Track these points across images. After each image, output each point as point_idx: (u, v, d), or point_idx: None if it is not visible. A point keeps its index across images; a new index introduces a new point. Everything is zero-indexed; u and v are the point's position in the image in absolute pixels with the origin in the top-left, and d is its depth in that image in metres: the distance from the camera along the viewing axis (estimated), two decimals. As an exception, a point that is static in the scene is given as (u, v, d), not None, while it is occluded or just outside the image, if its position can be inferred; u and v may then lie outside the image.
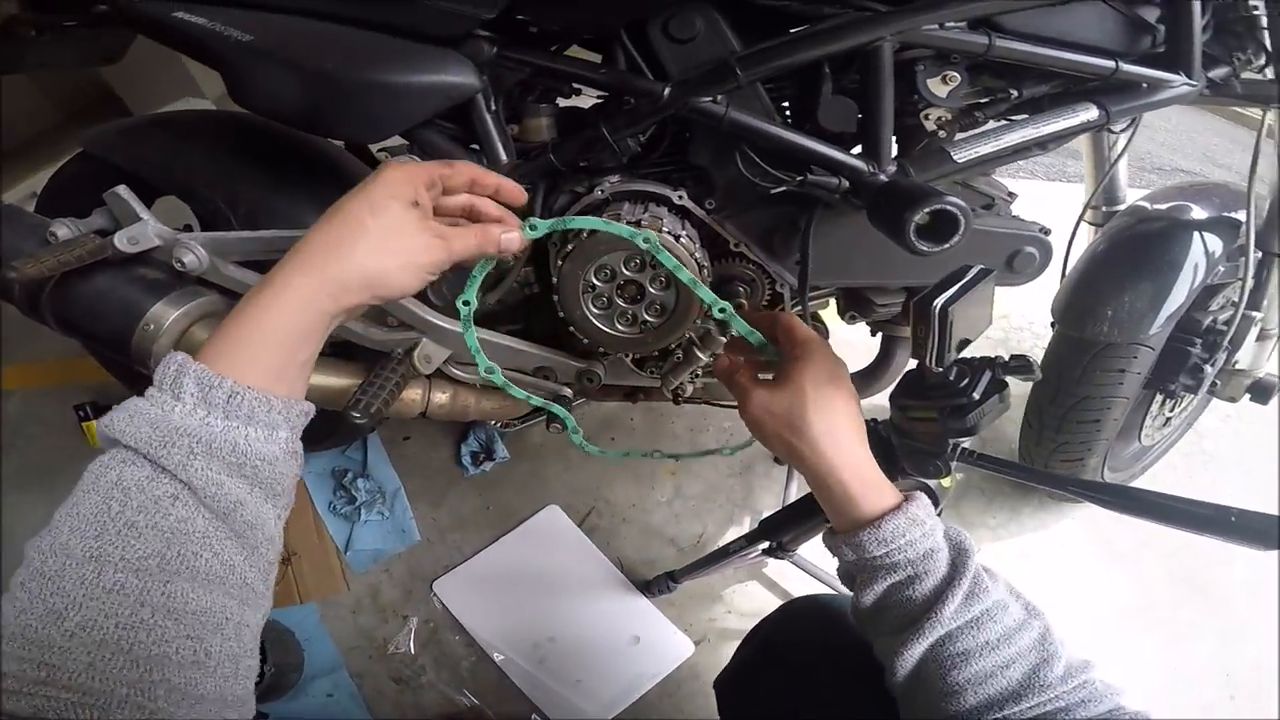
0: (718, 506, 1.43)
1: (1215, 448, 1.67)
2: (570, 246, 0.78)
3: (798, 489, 1.38)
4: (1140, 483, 1.50)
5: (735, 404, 0.66)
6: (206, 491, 0.44)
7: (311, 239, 0.51)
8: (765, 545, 1.01)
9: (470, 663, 1.22)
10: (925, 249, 0.69)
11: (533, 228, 0.60)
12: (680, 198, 0.83)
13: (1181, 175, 3.00)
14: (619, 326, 0.84)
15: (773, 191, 0.81)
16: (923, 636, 0.54)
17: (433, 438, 1.45)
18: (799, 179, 0.80)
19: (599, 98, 0.87)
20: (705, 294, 0.64)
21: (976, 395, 0.64)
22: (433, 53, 0.74)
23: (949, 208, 0.68)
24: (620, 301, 0.82)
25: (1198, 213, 1.10)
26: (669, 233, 0.76)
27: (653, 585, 1.27)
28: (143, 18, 0.75)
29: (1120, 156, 1.19)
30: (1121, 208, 1.24)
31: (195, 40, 0.74)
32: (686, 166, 0.88)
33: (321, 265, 0.50)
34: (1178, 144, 3.47)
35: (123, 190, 0.80)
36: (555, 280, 0.80)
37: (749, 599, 1.33)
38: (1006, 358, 0.66)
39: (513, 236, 0.58)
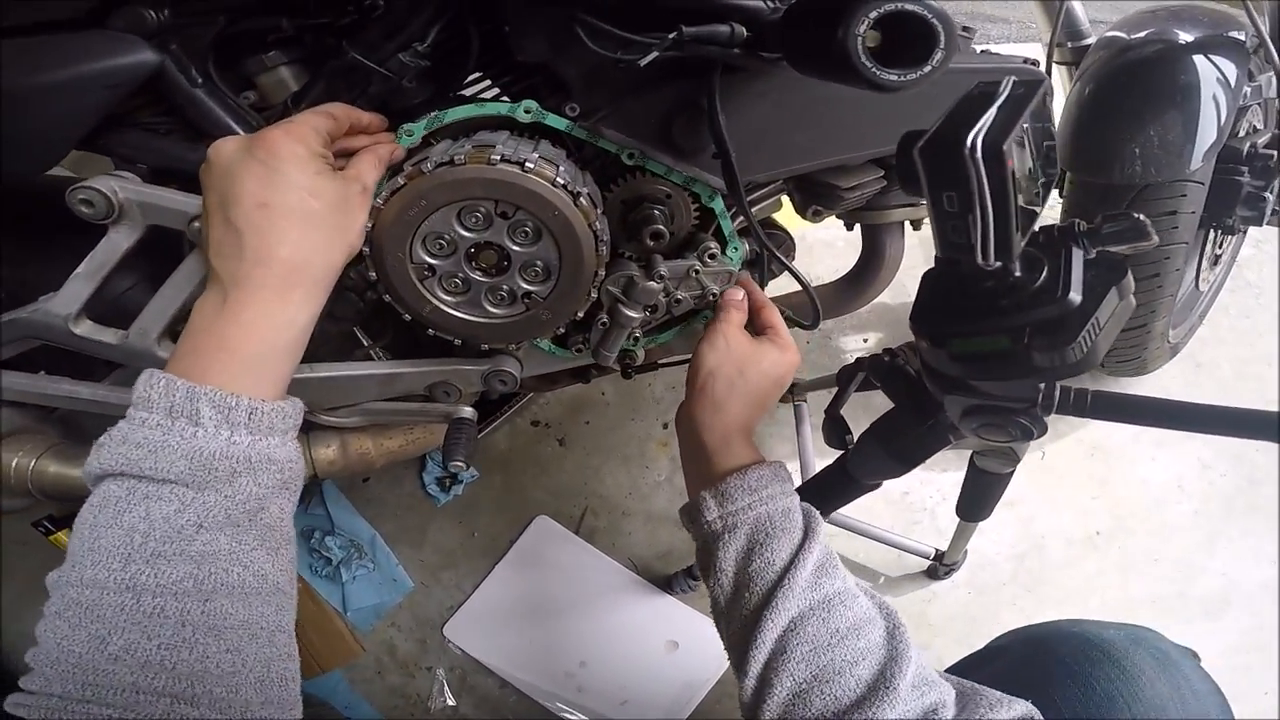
0: (726, 468, 1.24)
1: (1258, 278, 1.56)
2: (371, 224, 0.55)
3: (812, 436, 1.20)
4: (1200, 331, 1.39)
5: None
6: (244, 506, 0.46)
7: (272, 248, 0.49)
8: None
9: (511, 702, 1.14)
10: (894, 78, 0.44)
11: (409, 134, 0.59)
12: (527, 111, 0.60)
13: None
14: (493, 310, 0.61)
15: (643, 64, 0.57)
16: (777, 614, 0.52)
17: (393, 472, 1.29)
18: (671, 36, 0.55)
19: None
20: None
21: (1077, 296, 0.39)
22: (60, 41, 0.57)
23: (912, 6, 0.42)
24: (479, 276, 0.59)
25: (1185, 36, 1.02)
26: (507, 160, 0.53)
27: (674, 583, 1.12)
28: None
29: None
30: (1088, 41, 1.15)
31: None
32: (523, 73, 0.66)
33: (302, 271, 0.50)
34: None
35: None
36: (374, 275, 0.57)
37: None
38: (1083, 223, 0.41)
39: (397, 150, 0.59)
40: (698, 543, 0.61)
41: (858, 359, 0.68)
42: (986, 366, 0.44)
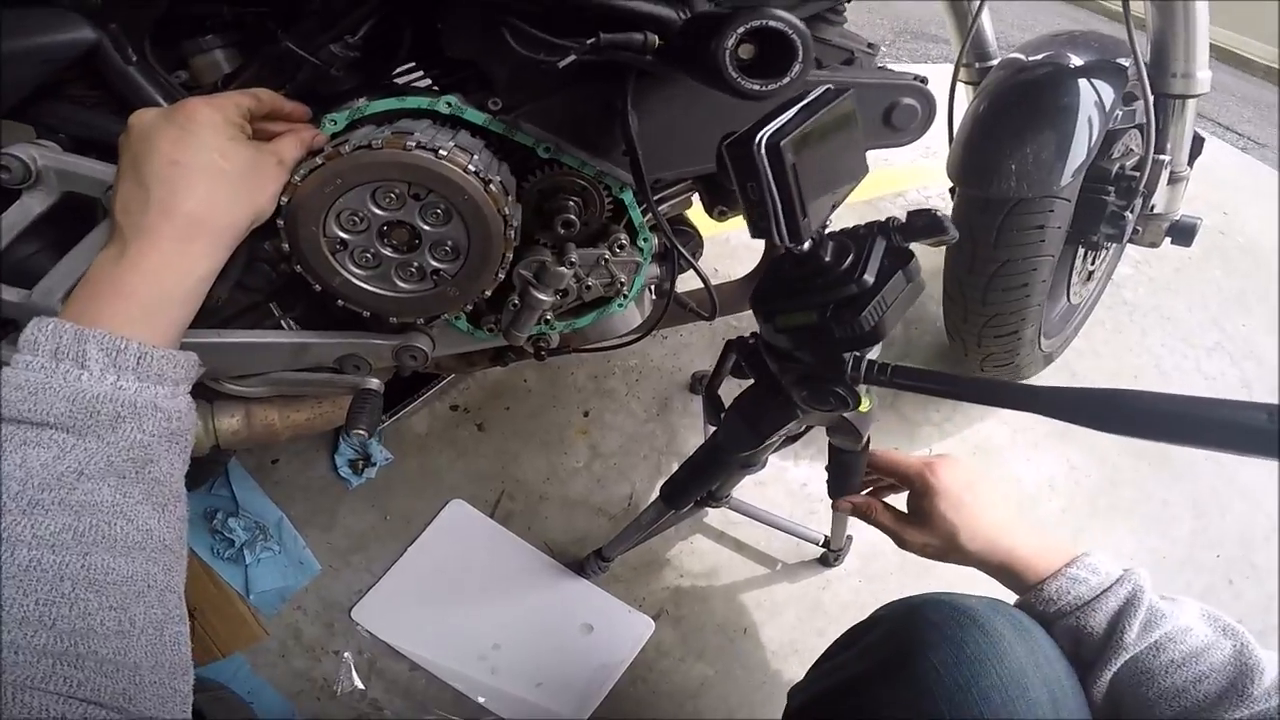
0: (641, 459, 1.28)
1: (1134, 296, 1.69)
2: (285, 199, 0.57)
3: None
4: (1076, 344, 1.50)
5: (611, 344, 0.79)
6: (129, 455, 0.44)
7: (177, 201, 0.49)
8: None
9: (421, 685, 1.12)
10: (756, 88, 0.50)
11: (333, 122, 0.60)
12: (449, 104, 0.62)
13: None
14: (402, 285, 0.64)
15: (561, 66, 0.60)
16: (1108, 662, 0.59)
17: (304, 454, 1.27)
18: (590, 42, 0.59)
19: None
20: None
21: (869, 277, 0.47)
22: (5, 16, 0.56)
23: (774, 23, 0.48)
24: (389, 252, 0.62)
25: (1076, 60, 1.08)
26: (422, 147, 0.56)
27: (585, 567, 1.14)
28: None
29: (982, 7, 1.14)
30: (994, 62, 1.21)
31: None
32: (450, 68, 0.69)
33: (203, 224, 0.51)
34: (1026, 25, 3.60)
35: None
36: (287, 247, 0.59)
37: (699, 558, 1.20)
38: (902, 218, 0.48)
39: (319, 137, 0.60)
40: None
41: (727, 341, 0.72)
42: (801, 338, 0.51)
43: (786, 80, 0.49)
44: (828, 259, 0.47)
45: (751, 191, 0.43)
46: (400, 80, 0.74)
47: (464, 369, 0.93)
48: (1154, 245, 1.28)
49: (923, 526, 0.73)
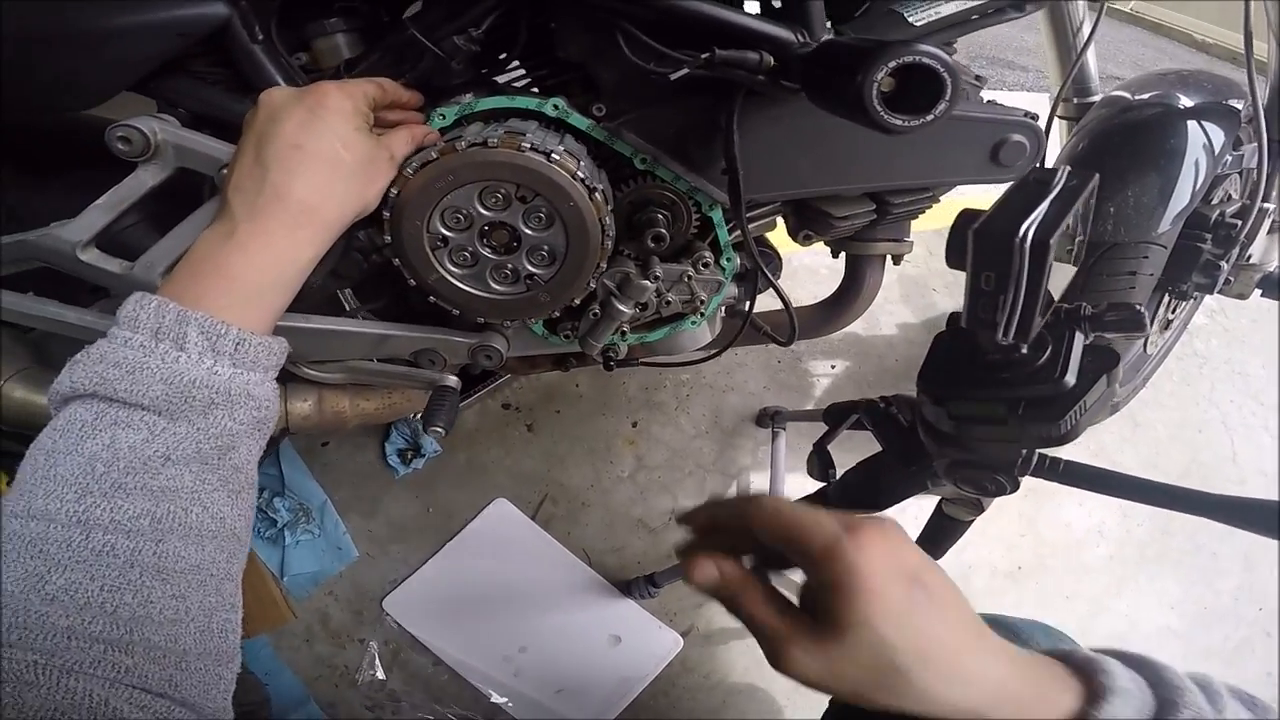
0: (686, 474, 1.27)
1: (1206, 347, 1.64)
2: (396, 192, 0.57)
3: (785, 462, 1.23)
4: (1143, 393, 1.44)
5: (680, 360, 0.63)
6: (216, 441, 0.44)
7: (292, 186, 0.49)
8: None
9: (443, 680, 1.12)
10: (900, 122, 0.48)
11: (443, 116, 0.61)
12: (556, 107, 0.62)
13: (1115, 81, 2.89)
14: (496, 287, 0.64)
15: (673, 78, 0.60)
16: None
17: (354, 439, 1.27)
18: (704, 56, 0.59)
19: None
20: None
21: (1071, 379, 0.43)
22: None
23: (925, 59, 0.46)
24: (488, 253, 0.61)
25: (1186, 101, 1.02)
26: (536, 150, 0.56)
27: (632, 588, 1.13)
28: None
29: (1089, 42, 1.06)
30: (1094, 99, 1.16)
31: None
32: (559, 68, 0.68)
33: (314, 213, 0.50)
34: (1107, 53, 3.51)
35: None
36: (389, 239, 0.59)
37: None
38: (1089, 307, 0.45)
39: (431, 133, 0.60)
40: None
41: (852, 401, 0.70)
42: (980, 429, 0.48)
43: (931, 117, 0.48)
44: (1024, 351, 0.44)
45: (986, 282, 0.40)
46: (500, 78, 0.74)
47: (525, 370, 0.93)
48: (1242, 297, 1.21)
49: (830, 638, 0.37)
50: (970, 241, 0.40)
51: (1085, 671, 0.39)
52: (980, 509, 0.69)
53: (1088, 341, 0.48)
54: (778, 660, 0.39)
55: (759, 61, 0.59)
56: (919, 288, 1.55)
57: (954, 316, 0.58)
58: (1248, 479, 1.40)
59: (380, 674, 1.12)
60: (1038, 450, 0.50)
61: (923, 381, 0.52)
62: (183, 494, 0.42)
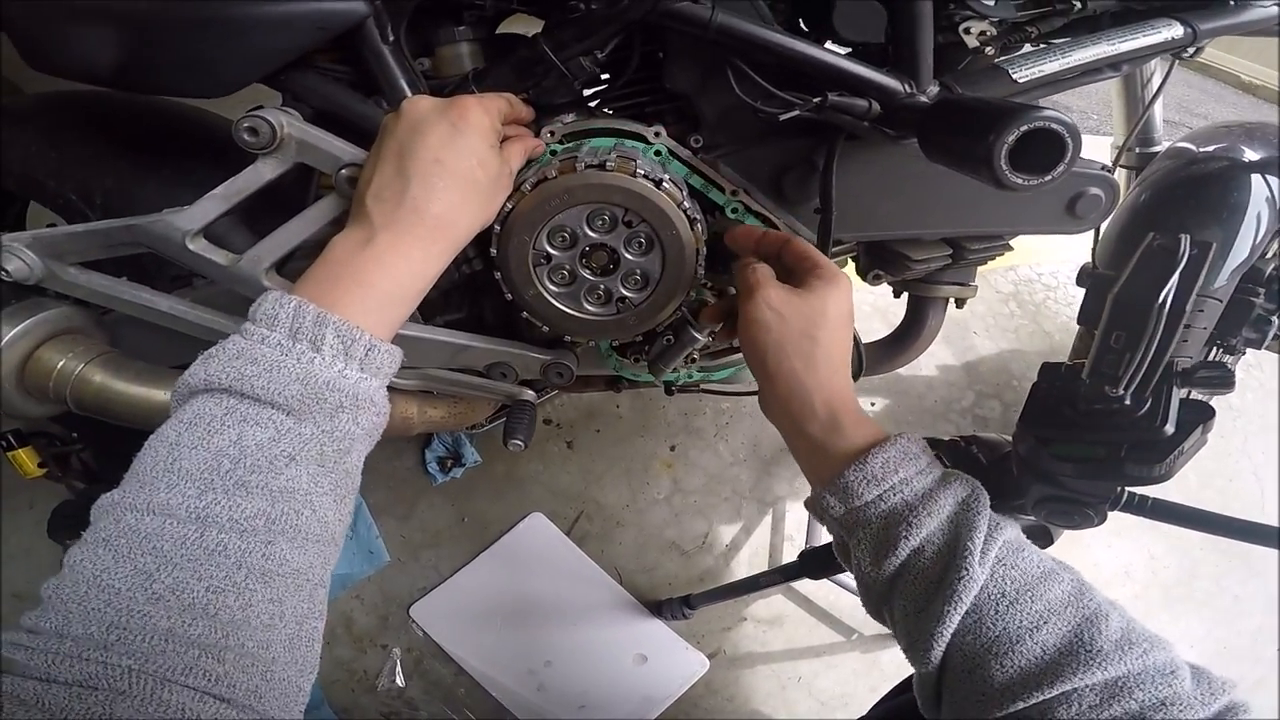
0: (723, 499, 1.27)
1: (1241, 402, 1.61)
2: (510, 207, 0.58)
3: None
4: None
5: (741, 391, 0.62)
6: (337, 445, 0.44)
7: (431, 201, 0.50)
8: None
9: (464, 691, 1.11)
10: (1021, 181, 0.50)
11: (551, 134, 0.62)
12: (657, 134, 0.63)
13: (1163, 125, 2.92)
14: (588, 307, 0.64)
15: (782, 119, 0.61)
16: (960, 593, 0.44)
17: (395, 444, 1.28)
18: (817, 100, 0.60)
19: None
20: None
21: (1170, 428, 0.47)
22: None
23: (1054, 125, 0.48)
24: (587, 274, 0.62)
25: (1250, 154, 0.99)
26: (647, 177, 0.57)
27: (665, 609, 1.13)
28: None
29: (1158, 93, 1.06)
30: (1158, 149, 1.13)
31: None
32: (663, 96, 0.69)
33: (448, 229, 0.51)
34: (1186, 106, 3.47)
35: (-83, 196, 0.62)
36: (495, 252, 0.60)
37: (768, 605, 1.19)
38: (1187, 362, 0.48)
39: (540, 146, 0.62)
40: (833, 538, 0.55)
41: (934, 439, 0.72)
42: (1081, 469, 0.52)
43: (1049, 178, 0.49)
44: (1127, 403, 0.46)
45: (1115, 340, 0.43)
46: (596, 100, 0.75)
47: (577, 388, 0.93)
48: None
49: (799, 292, 0.54)
50: (1109, 304, 0.42)
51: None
52: (1051, 541, 0.70)
53: (1183, 396, 0.51)
54: (748, 293, 0.54)
55: (867, 109, 0.61)
56: (960, 330, 1.56)
57: (1048, 366, 0.60)
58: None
59: (400, 681, 1.11)
60: (1128, 489, 0.54)
61: (1026, 423, 0.55)
62: (298, 495, 0.42)
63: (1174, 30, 0.68)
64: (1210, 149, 1.02)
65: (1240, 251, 0.95)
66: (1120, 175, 1.16)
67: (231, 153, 0.72)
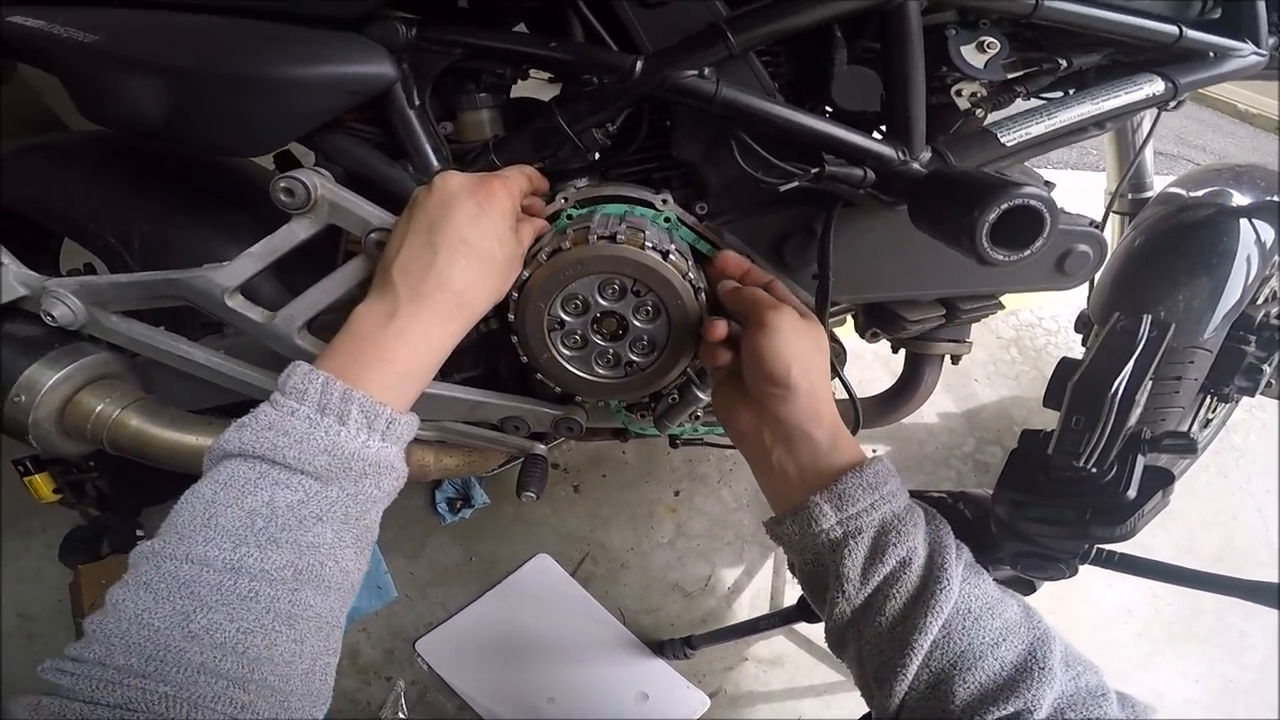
0: (725, 544, 1.29)
1: (1244, 442, 1.62)
2: (527, 275, 0.62)
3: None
4: (1180, 484, 1.40)
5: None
6: (360, 505, 0.48)
7: (454, 278, 0.53)
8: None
9: None
10: (1001, 258, 0.53)
11: (565, 198, 0.66)
12: (664, 202, 0.67)
13: (1161, 158, 2.96)
14: (598, 370, 0.68)
15: (782, 189, 0.65)
16: (936, 612, 0.46)
17: (408, 486, 1.29)
18: (815, 171, 0.64)
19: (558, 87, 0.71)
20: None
21: (1133, 493, 0.52)
22: (327, 38, 0.60)
23: (1033, 203, 0.52)
24: (598, 339, 0.66)
25: (1240, 198, 1.00)
26: (654, 248, 0.60)
27: (666, 649, 1.14)
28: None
29: (1148, 140, 1.08)
30: (1150, 194, 1.15)
31: (34, 47, 0.60)
32: (670, 163, 0.73)
33: (467, 306, 0.55)
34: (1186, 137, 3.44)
35: (-27, 232, 0.66)
36: (512, 318, 0.63)
37: (769, 646, 1.19)
38: (1149, 431, 0.52)
39: (544, 226, 0.65)
40: (804, 558, 0.54)
41: (921, 492, 0.74)
42: (1051, 530, 0.56)
43: (1027, 253, 0.53)
44: (1094, 470, 0.51)
45: (1076, 422, 0.49)
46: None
47: (585, 438, 0.97)
48: None
49: (759, 332, 0.56)
50: (1069, 392, 0.47)
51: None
52: (1033, 589, 0.73)
53: (1148, 464, 0.56)
54: (771, 307, 0.57)
55: (862, 177, 0.65)
56: (961, 378, 1.58)
57: (1027, 433, 0.63)
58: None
59: (404, 713, 1.11)
60: (1099, 544, 0.58)
61: (1003, 487, 0.59)
62: (322, 549, 0.46)
63: (1155, 86, 0.71)
64: (1200, 193, 1.03)
65: (1230, 297, 0.96)
66: (1113, 221, 1.19)
67: (265, 202, 0.75)
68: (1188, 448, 0.53)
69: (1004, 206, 0.51)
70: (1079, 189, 1.53)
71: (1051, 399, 0.55)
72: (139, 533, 1.26)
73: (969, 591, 0.48)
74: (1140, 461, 0.52)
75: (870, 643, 0.49)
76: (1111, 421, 0.48)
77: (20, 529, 1.31)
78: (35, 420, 0.68)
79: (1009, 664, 0.45)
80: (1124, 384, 0.48)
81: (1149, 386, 0.51)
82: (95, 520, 1.28)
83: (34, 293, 0.67)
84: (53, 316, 0.67)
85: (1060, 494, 0.55)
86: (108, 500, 1.28)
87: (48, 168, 0.76)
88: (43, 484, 1.21)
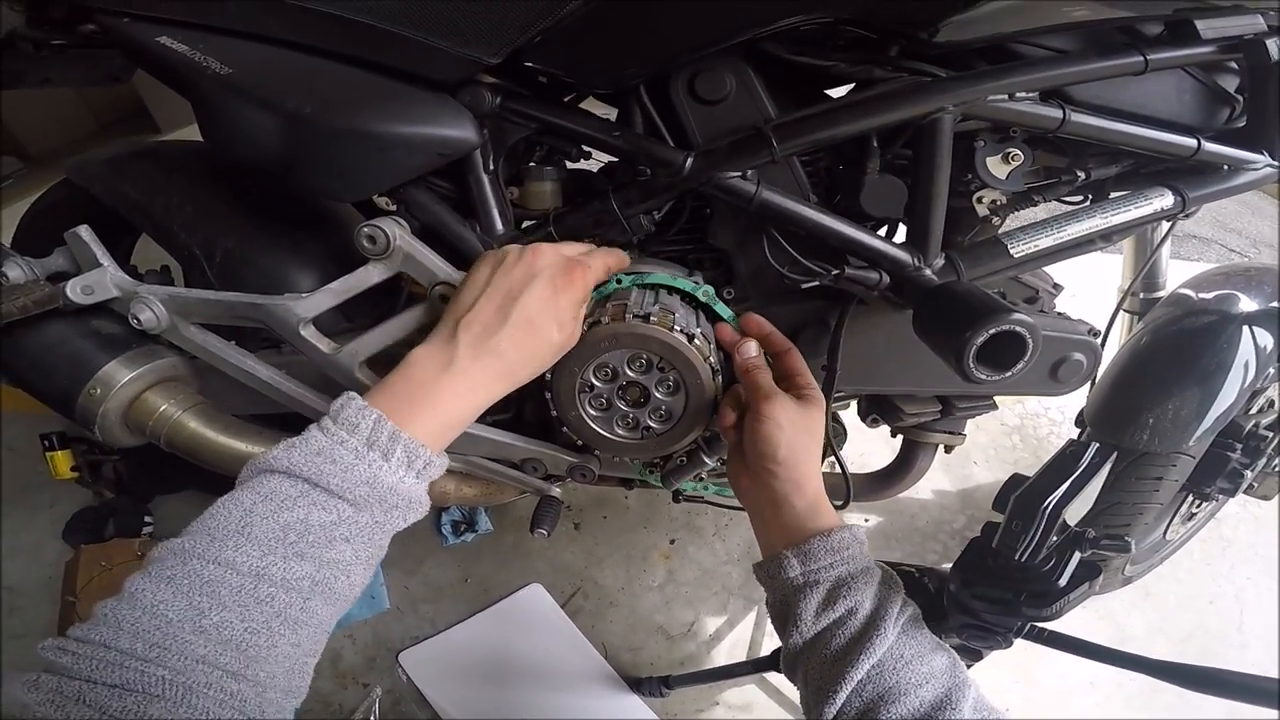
0: (712, 594, 1.33)
1: (1233, 534, 1.62)
2: (566, 340, 0.68)
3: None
4: (1159, 570, 1.44)
5: (737, 506, 0.71)
6: (385, 531, 0.52)
7: (511, 349, 0.58)
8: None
9: None
10: (984, 377, 0.60)
11: (619, 281, 0.71)
12: (696, 284, 0.74)
13: (1194, 241, 2.86)
14: (618, 431, 0.74)
15: (804, 287, 0.72)
16: (867, 655, 0.55)
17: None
18: (835, 273, 0.71)
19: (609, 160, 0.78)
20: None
21: (1063, 582, 0.61)
22: (427, 99, 0.66)
23: (1018, 329, 0.58)
24: (621, 405, 0.73)
25: (1246, 303, 0.99)
26: (683, 331, 0.67)
27: (643, 686, 1.18)
28: (127, 40, 0.67)
29: (1163, 241, 1.10)
30: (1162, 294, 1.15)
31: (173, 69, 0.66)
32: (705, 247, 0.79)
33: (514, 374, 0.60)
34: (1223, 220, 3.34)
35: (83, 231, 0.73)
36: (549, 376, 0.70)
37: (740, 693, 1.23)
38: (1091, 531, 0.60)
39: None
40: (774, 596, 0.64)
41: (894, 565, 0.80)
42: (992, 606, 0.65)
43: (1008, 375, 0.59)
44: (1035, 562, 0.58)
45: (1015, 525, 0.58)
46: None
47: (594, 482, 1.03)
48: (1266, 499, 1.21)
49: (798, 402, 0.67)
50: (1011, 501, 0.59)
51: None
52: (979, 658, 0.80)
53: (1084, 556, 0.64)
54: (766, 399, 0.65)
55: (878, 281, 0.71)
56: (960, 459, 1.62)
57: (989, 526, 0.71)
58: (1249, 644, 1.40)
59: (375, 718, 1.13)
60: (1030, 622, 0.66)
61: (957, 569, 0.69)
62: (341, 565, 0.49)
63: (1165, 200, 0.73)
64: (1210, 295, 1.02)
65: (1220, 406, 0.96)
66: (1123, 318, 1.19)
67: (338, 239, 0.79)
68: (1122, 548, 0.61)
69: (991, 331, 0.58)
70: (1101, 271, 1.55)
71: (999, 503, 0.66)
72: (147, 519, 1.30)
73: (905, 640, 0.56)
74: (1076, 556, 0.61)
75: (814, 669, 0.58)
76: (1041, 529, 0.58)
77: (29, 503, 1.35)
78: (105, 412, 0.72)
79: (926, 702, 0.53)
80: (1055, 502, 0.56)
81: (1093, 497, 0.59)
82: (106, 503, 1.31)
83: (125, 295, 0.73)
84: (139, 320, 0.72)
85: (1002, 578, 0.64)
86: (123, 483, 1.33)
87: (155, 174, 0.82)
88: (62, 461, 1.25)
